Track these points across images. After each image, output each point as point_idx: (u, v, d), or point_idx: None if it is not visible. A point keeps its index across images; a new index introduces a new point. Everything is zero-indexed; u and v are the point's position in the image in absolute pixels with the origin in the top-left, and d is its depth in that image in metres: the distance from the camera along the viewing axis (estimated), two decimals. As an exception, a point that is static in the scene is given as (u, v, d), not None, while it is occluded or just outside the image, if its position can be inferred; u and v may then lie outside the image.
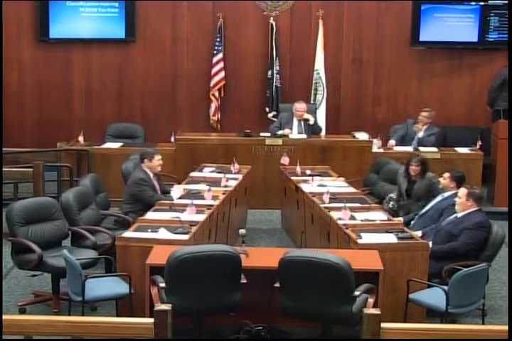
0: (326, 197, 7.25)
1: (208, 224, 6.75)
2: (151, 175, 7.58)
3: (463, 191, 6.56)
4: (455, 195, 6.73)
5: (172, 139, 9.56)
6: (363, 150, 9.47)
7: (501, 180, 9.28)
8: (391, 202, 7.79)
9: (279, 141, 9.50)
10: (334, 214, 6.76)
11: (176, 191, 7.45)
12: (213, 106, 10.92)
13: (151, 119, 10.95)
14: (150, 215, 6.78)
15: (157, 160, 7.59)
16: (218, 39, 10.81)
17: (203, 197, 7.33)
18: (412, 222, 7.24)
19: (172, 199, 7.25)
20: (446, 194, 7.14)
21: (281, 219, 8.99)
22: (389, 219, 6.81)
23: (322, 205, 7.12)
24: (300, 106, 9.83)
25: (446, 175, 7.25)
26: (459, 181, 7.13)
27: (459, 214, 6.53)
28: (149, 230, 6.24)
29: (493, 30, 10.71)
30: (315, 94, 10.74)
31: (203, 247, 5.49)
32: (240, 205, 8.27)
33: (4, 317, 3.89)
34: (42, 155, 9.11)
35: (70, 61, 10.91)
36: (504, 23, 10.61)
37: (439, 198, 7.22)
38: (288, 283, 5.35)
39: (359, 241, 6.09)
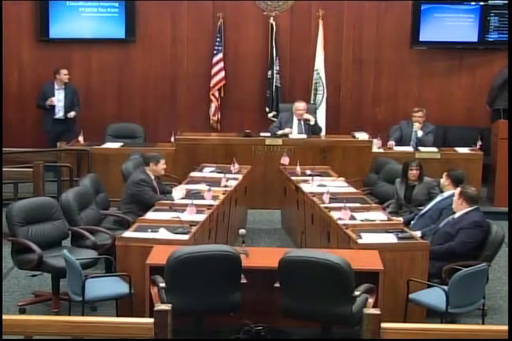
0: (326, 197, 7.25)
1: (208, 224, 6.75)
2: (153, 177, 7.59)
3: (458, 190, 6.56)
4: (454, 194, 6.72)
5: (172, 139, 9.56)
6: (363, 150, 9.47)
7: (501, 180, 9.27)
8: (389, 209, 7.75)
9: (279, 141, 9.50)
10: (334, 214, 6.76)
11: (178, 192, 7.45)
12: (213, 106, 10.92)
13: (151, 119, 10.95)
14: (150, 215, 6.77)
15: (162, 164, 7.66)
16: (218, 39, 10.81)
17: (203, 197, 7.33)
18: (412, 222, 7.23)
19: (172, 200, 7.25)
20: (446, 194, 7.14)
21: (281, 219, 8.98)
22: (389, 219, 6.81)
23: (322, 205, 7.12)
24: (300, 105, 9.84)
25: (445, 174, 7.26)
26: (455, 180, 7.11)
27: (456, 215, 6.52)
28: (149, 230, 6.24)
29: (493, 30, 10.70)
30: (315, 94, 10.74)
31: (202, 247, 5.49)
32: (240, 205, 8.26)
33: (4, 317, 3.88)
34: (42, 155, 9.11)
35: (70, 61, 10.89)
36: (504, 23, 10.61)
37: (438, 198, 7.21)
38: (288, 283, 5.35)
39: (359, 241, 6.09)
